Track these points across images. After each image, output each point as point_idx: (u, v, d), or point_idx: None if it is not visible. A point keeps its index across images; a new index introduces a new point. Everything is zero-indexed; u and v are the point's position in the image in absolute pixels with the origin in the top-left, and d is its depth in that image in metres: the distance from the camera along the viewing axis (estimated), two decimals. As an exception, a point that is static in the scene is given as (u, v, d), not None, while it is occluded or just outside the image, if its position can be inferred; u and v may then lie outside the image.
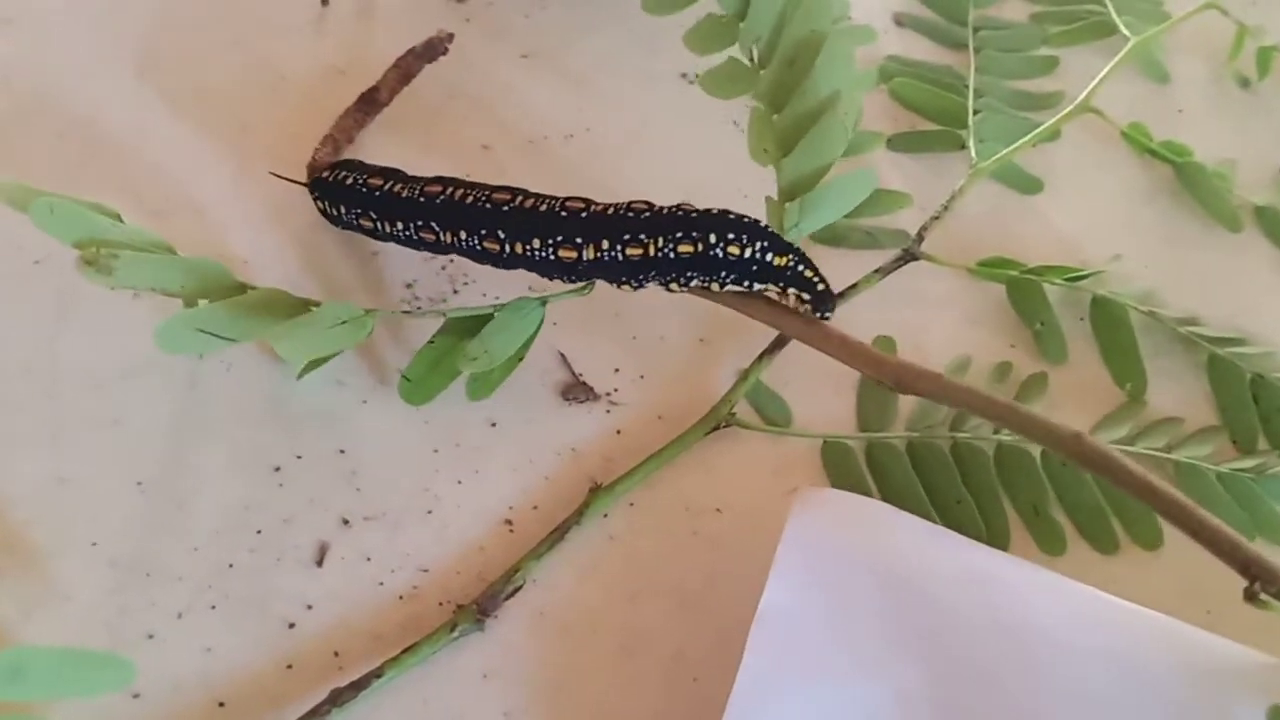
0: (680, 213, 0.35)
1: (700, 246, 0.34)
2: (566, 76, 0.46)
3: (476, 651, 0.34)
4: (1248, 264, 0.45)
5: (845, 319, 0.41)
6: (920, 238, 0.43)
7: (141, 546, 0.34)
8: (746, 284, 0.35)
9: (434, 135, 0.44)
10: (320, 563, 0.35)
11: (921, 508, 0.37)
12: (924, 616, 0.33)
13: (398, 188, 0.37)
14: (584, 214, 0.35)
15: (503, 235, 0.36)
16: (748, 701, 0.31)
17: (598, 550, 0.36)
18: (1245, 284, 0.45)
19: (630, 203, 0.36)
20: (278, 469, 0.36)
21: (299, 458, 0.37)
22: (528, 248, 0.36)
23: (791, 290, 0.35)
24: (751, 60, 0.38)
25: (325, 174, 0.39)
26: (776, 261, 0.35)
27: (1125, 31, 0.48)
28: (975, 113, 0.46)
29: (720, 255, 0.34)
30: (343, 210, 0.38)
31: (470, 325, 0.37)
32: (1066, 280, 0.42)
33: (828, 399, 0.40)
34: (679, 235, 0.34)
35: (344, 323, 0.35)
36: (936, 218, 0.43)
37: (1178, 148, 0.46)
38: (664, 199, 0.43)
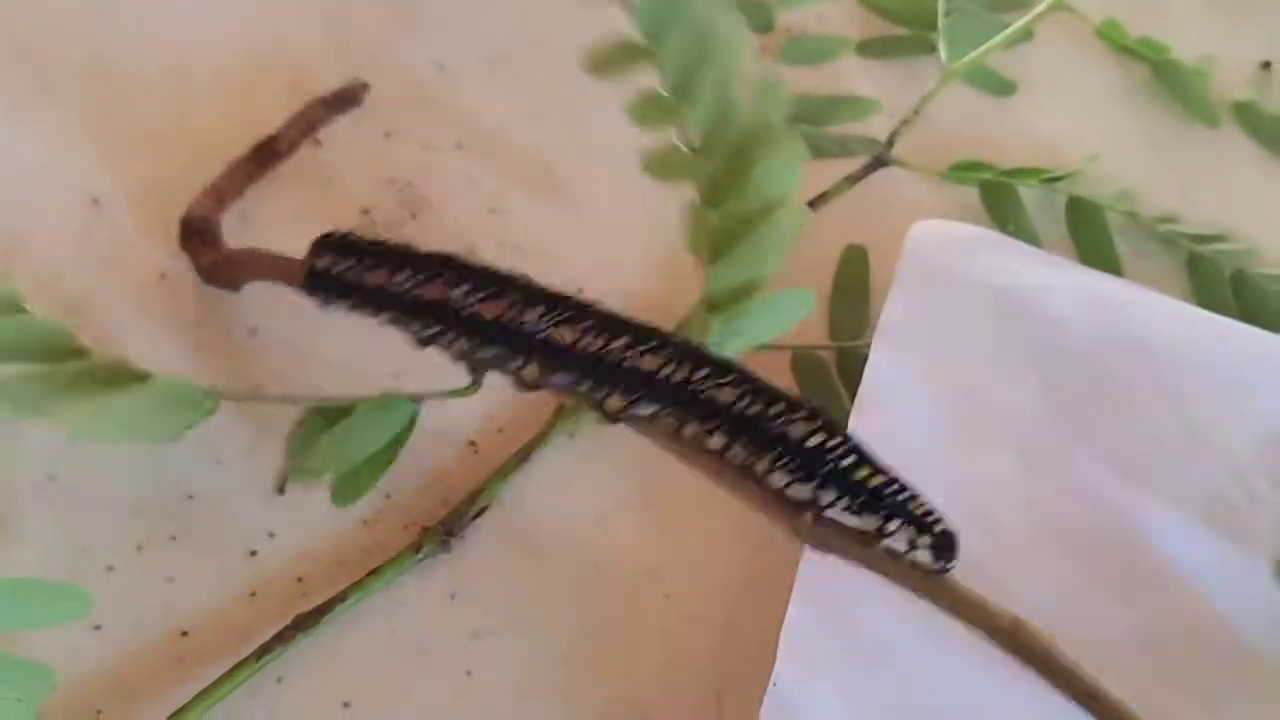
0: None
1: (754, 406, 0.27)
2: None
3: (443, 574, 0.33)
4: (1229, 162, 0.44)
5: (815, 229, 0.40)
6: (891, 143, 0.41)
7: (97, 479, 0.34)
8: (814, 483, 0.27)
9: (384, 54, 0.42)
10: (281, 490, 0.34)
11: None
12: (1038, 330, 0.35)
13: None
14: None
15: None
16: (872, 405, 0.34)
17: (565, 469, 0.35)
18: (1227, 182, 0.44)
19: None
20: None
21: (258, 386, 0.36)
22: None
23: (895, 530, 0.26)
24: (691, 148, 0.32)
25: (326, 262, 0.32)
26: (860, 474, 0.26)
27: (1099, -73, 0.47)
28: (946, 15, 0.44)
29: (777, 431, 0.27)
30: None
31: (331, 416, 0.31)
32: (1041, 182, 0.41)
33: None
34: (727, 378, 0.27)
35: (175, 402, 0.30)
36: (906, 122, 0.42)
37: (1154, 45, 0.45)
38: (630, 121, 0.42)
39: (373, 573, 0.33)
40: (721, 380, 0.27)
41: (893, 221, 0.41)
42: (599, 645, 0.33)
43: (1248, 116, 0.44)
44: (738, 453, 0.27)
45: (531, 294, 0.29)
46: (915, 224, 0.38)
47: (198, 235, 0.37)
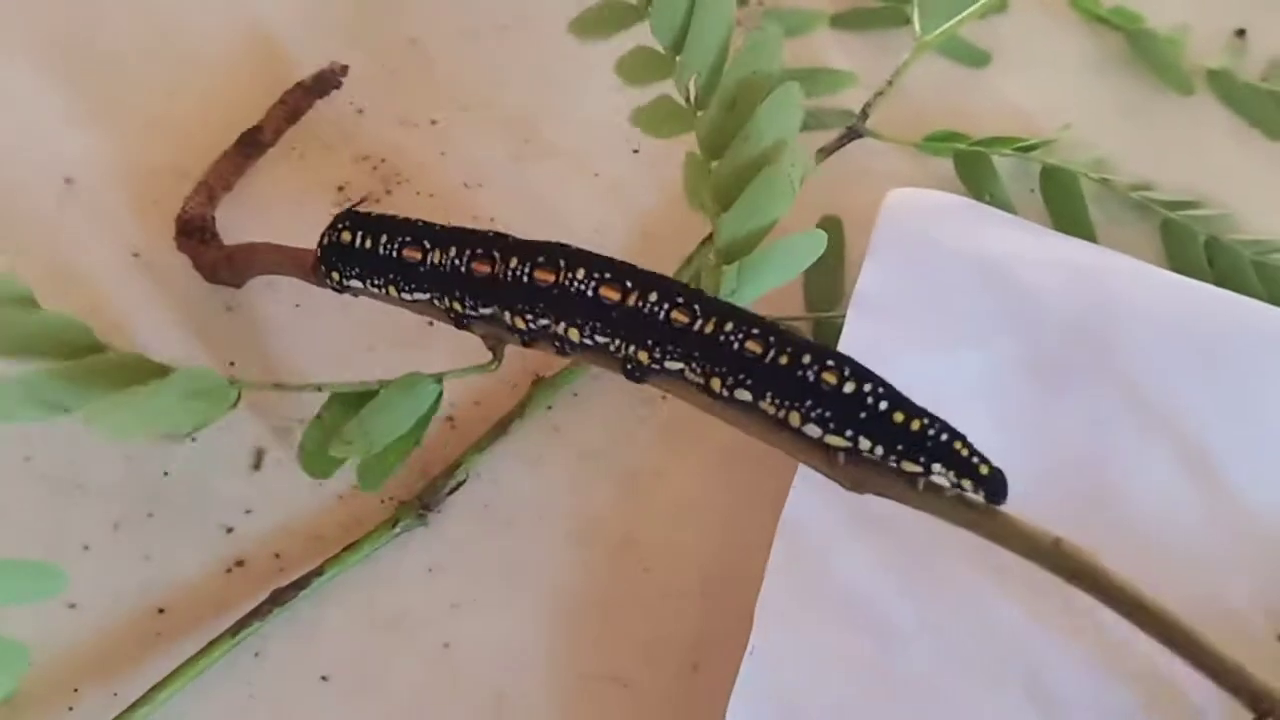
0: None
1: (779, 357, 0.27)
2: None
3: (421, 547, 0.34)
4: (1203, 130, 0.44)
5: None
6: (865, 115, 0.41)
7: (73, 459, 0.34)
8: (849, 432, 0.27)
9: (356, 30, 0.42)
10: (257, 467, 0.34)
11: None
12: (1015, 296, 0.35)
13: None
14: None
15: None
16: None
17: (542, 442, 0.35)
18: (1200, 150, 0.43)
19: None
20: (211, 376, 0.36)
21: (232, 364, 0.36)
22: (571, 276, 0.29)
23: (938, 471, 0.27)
24: (688, 100, 0.33)
25: (341, 233, 0.32)
26: (897, 417, 0.27)
27: (1072, -104, 0.47)
28: (920, -15, 0.44)
29: (811, 379, 0.27)
30: (381, 240, 0.31)
31: (354, 401, 0.32)
32: (1015, 151, 0.41)
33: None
34: (752, 331, 0.28)
35: (196, 395, 0.30)
36: (881, 94, 0.41)
37: (1128, 14, 0.45)
38: (605, 91, 0.42)
39: (350, 547, 0.33)
40: (750, 332, 0.27)
41: (868, 192, 0.41)
42: (576, 617, 0.33)
43: (1221, 84, 0.44)
44: (768, 406, 0.28)
45: (573, 257, 0.30)
46: (890, 192, 0.38)
47: (196, 234, 0.37)
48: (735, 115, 0.32)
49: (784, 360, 0.27)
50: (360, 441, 0.31)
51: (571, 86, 0.43)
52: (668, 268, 0.38)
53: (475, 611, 0.33)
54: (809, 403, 0.27)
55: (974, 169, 0.41)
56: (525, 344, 0.31)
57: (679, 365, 0.29)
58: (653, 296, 0.28)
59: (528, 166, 0.41)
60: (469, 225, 0.39)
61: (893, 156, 0.42)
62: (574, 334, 0.30)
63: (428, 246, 0.31)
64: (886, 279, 0.36)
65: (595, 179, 0.41)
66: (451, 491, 0.34)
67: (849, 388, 0.27)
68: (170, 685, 0.30)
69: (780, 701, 0.30)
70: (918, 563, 0.32)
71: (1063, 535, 0.27)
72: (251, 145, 0.38)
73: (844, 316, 0.37)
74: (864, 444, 0.27)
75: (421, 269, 0.31)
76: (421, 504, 0.33)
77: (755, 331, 0.28)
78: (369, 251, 0.31)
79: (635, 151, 0.41)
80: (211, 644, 0.31)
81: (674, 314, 0.28)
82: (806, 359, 0.27)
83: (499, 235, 0.31)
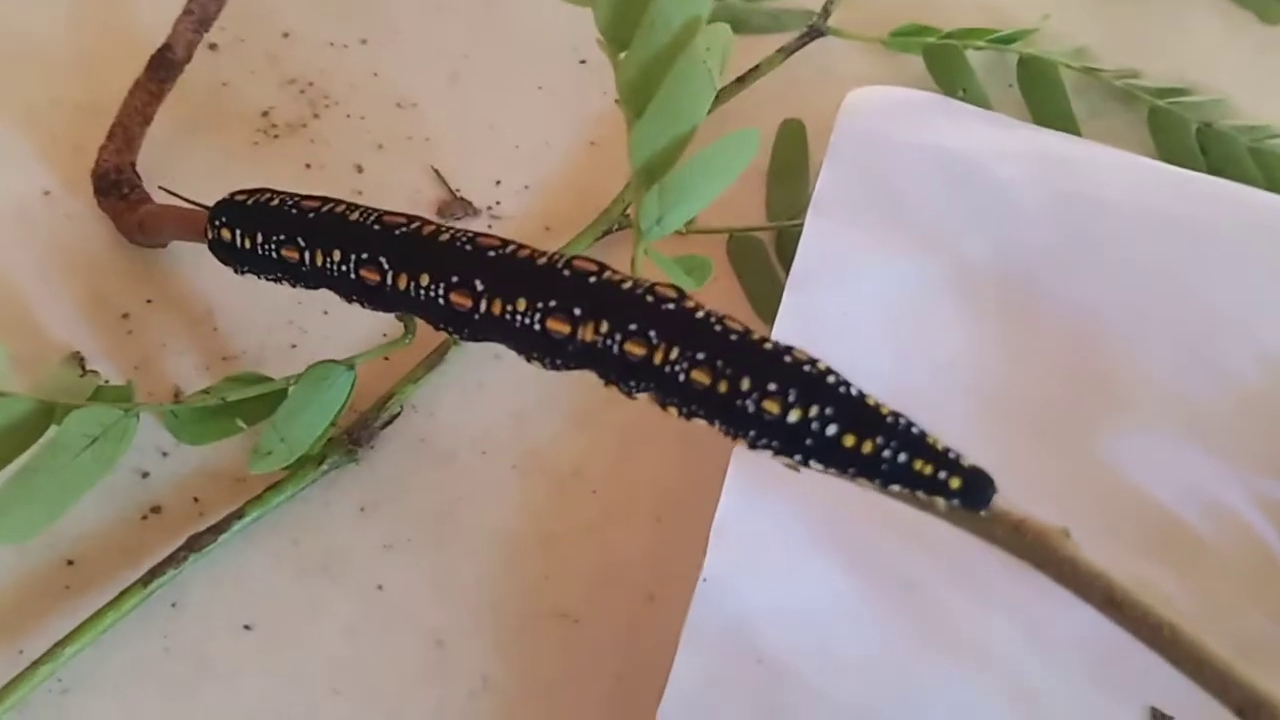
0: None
1: (720, 385, 0.24)
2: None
3: (352, 485, 0.31)
4: (1191, 16, 0.41)
5: (747, 107, 0.37)
6: (826, 13, 0.39)
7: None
8: (798, 456, 0.24)
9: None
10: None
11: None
12: (986, 192, 0.33)
13: (341, 208, 0.28)
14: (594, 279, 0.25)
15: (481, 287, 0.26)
16: (807, 280, 0.32)
17: (482, 371, 0.33)
18: (1189, 36, 0.40)
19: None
20: (126, 315, 0.33)
21: (149, 302, 0.33)
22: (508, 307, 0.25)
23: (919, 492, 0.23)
24: None
25: (240, 197, 0.29)
26: (847, 441, 0.23)
27: None
28: (883, -125, 0.41)
29: (752, 410, 0.24)
30: (258, 240, 0.28)
31: (258, 407, 0.29)
32: (990, 43, 0.38)
33: (732, 189, 0.36)
34: (697, 357, 0.24)
35: (94, 441, 0.28)
36: (843, -11, 0.39)
37: (1110, -104, 0.42)
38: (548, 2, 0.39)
39: (273, 487, 0.30)
40: (695, 359, 0.25)
41: (831, 94, 0.38)
42: (521, 553, 0.30)
43: (1211, -34, 0.41)
44: (720, 430, 0.25)
45: (503, 280, 0.26)
46: (850, 92, 0.35)
47: (114, 190, 0.34)
48: None
49: (723, 389, 0.24)
50: (280, 452, 0.29)
51: (505, 3, 0.40)
52: (617, 180, 0.36)
53: (410, 552, 0.30)
54: (753, 432, 0.24)
55: (946, 64, 0.38)
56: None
57: (644, 394, 0.26)
58: (604, 328, 0.25)
59: (466, 83, 0.38)
60: (403, 146, 0.37)
61: (858, 56, 0.39)
62: (534, 360, 0.26)
63: (303, 245, 0.27)
64: (847, 181, 0.33)
65: (539, 92, 0.38)
66: (384, 426, 0.32)
67: (793, 416, 0.24)
68: (77, 640, 0.27)
69: (735, 629, 0.27)
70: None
71: (1033, 505, 0.23)
72: (164, 67, 0.35)
73: (807, 224, 0.35)
74: (816, 466, 0.24)
75: (304, 268, 0.28)
76: (351, 439, 0.31)
77: (700, 358, 0.24)
78: (250, 251, 0.28)
79: (582, 62, 0.39)
80: (121, 595, 0.28)
81: (628, 346, 0.25)
82: (746, 386, 0.24)
83: (384, 231, 0.27)
